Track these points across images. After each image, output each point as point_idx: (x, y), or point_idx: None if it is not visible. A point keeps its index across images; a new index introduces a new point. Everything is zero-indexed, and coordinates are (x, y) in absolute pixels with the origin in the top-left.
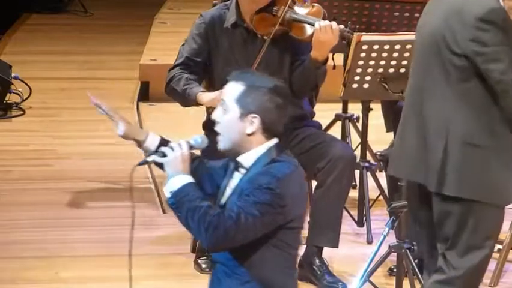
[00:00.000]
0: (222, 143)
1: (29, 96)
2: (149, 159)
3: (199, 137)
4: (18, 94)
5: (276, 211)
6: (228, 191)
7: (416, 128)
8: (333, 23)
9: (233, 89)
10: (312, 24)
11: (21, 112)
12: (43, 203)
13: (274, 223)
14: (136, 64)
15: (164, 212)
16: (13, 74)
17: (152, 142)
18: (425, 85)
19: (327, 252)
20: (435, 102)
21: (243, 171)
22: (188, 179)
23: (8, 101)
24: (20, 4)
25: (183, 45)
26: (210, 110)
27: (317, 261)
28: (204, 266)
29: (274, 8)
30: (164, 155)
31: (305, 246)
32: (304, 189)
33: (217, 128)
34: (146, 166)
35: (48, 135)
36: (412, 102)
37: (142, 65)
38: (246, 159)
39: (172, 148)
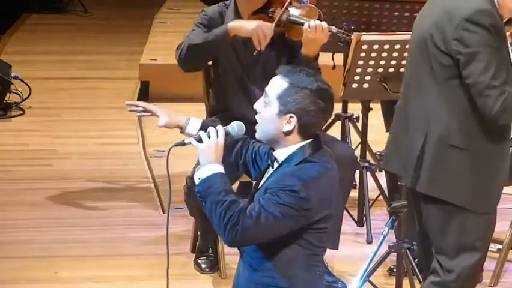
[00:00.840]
0: (258, 134)
1: (28, 96)
2: (187, 141)
3: (236, 124)
4: (18, 94)
5: (299, 214)
6: (262, 182)
7: (403, 124)
8: (323, 23)
9: (278, 84)
10: (302, 25)
11: (21, 112)
12: (43, 203)
13: (296, 225)
14: (136, 64)
15: (164, 212)
16: (13, 74)
17: (193, 128)
18: (412, 83)
19: (326, 252)
20: (419, 100)
21: (275, 165)
22: (218, 168)
23: (8, 101)
24: (20, 4)
25: (186, 33)
26: (209, 109)
27: None
28: (204, 266)
29: (270, 10)
30: (200, 140)
31: None
32: (335, 189)
33: (256, 118)
34: (146, 166)
35: (48, 135)
36: (402, 99)
37: (142, 64)
38: (280, 154)
39: (208, 135)
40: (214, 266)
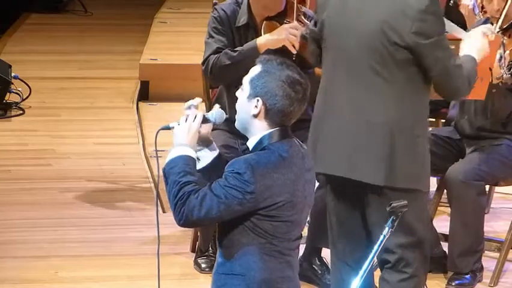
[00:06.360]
0: (236, 121)
1: (28, 96)
2: (171, 125)
3: (215, 112)
4: (18, 94)
5: (244, 197)
6: None
7: (350, 127)
8: None
9: (253, 70)
10: None
11: (21, 112)
12: (42, 203)
13: (241, 208)
14: (136, 64)
15: (164, 211)
16: (13, 74)
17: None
18: (359, 84)
19: (327, 252)
20: (375, 100)
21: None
22: (185, 151)
23: (8, 101)
24: (20, 4)
25: (208, 38)
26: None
27: (317, 260)
28: (203, 266)
29: (286, 21)
30: (179, 124)
31: (304, 246)
32: (297, 179)
33: (236, 106)
34: (146, 166)
35: (48, 134)
36: (341, 102)
37: (142, 64)
38: (250, 143)
39: (186, 118)
40: (214, 265)
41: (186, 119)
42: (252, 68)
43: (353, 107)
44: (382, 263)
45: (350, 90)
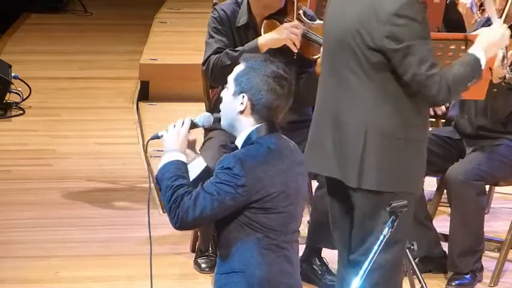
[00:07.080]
0: (222, 120)
1: (28, 96)
2: (160, 134)
3: (202, 116)
4: (18, 94)
5: (236, 191)
6: None
7: (332, 126)
8: None
9: (236, 68)
10: (320, 45)
11: (21, 112)
12: (42, 203)
13: (235, 202)
14: (136, 64)
15: (164, 212)
16: (13, 74)
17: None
18: (339, 84)
19: (326, 252)
20: (352, 100)
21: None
22: (175, 156)
23: (8, 101)
24: (20, 4)
25: (208, 38)
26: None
27: (317, 260)
28: (203, 265)
29: (286, 20)
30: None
31: (304, 246)
32: (289, 171)
33: (220, 106)
34: (145, 166)
35: (48, 134)
36: (326, 101)
37: (142, 64)
38: (238, 141)
39: (174, 125)
40: (214, 265)
41: (174, 126)
42: (236, 66)
43: (335, 108)
44: (352, 264)
45: (334, 91)
